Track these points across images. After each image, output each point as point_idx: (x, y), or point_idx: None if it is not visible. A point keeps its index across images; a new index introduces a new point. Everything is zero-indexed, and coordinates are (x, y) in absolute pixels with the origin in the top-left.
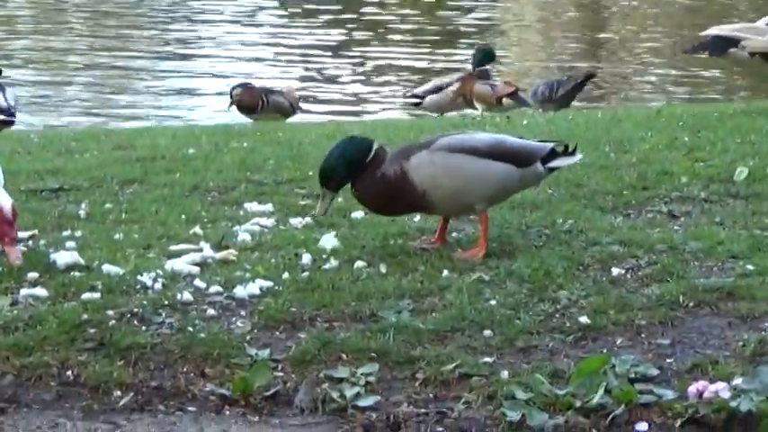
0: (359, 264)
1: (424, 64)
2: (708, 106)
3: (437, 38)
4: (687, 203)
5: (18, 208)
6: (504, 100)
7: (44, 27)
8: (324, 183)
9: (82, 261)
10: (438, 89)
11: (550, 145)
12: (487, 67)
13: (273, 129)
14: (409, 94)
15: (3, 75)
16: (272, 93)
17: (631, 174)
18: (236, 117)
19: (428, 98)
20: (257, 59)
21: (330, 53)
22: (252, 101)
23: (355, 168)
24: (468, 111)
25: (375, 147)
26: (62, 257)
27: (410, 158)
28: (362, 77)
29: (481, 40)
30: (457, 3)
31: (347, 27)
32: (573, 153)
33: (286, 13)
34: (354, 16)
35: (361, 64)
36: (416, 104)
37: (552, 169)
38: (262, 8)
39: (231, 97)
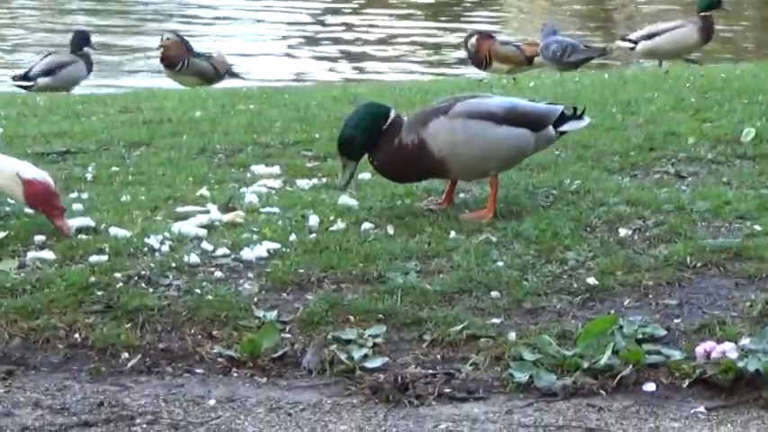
0: (366, 225)
1: (426, 30)
2: (715, 67)
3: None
4: (694, 164)
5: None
6: (537, 59)
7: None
8: (343, 152)
9: (93, 224)
10: (652, 35)
11: (561, 108)
12: (711, 12)
13: (280, 91)
14: (626, 37)
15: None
16: (198, 56)
17: (638, 135)
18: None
19: (641, 44)
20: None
21: (335, 19)
22: (176, 55)
23: (373, 135)
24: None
25: (392, 114)
26: (74, 222)
27: (428, 126)
28: (368, 43)
29: (485, 7)
30: None
31: None
32: (581, 117)
33: None
34: None
35: (366, 31)
36: (631, 49)
37: (563, 133)
38: None
39: (161, 40)
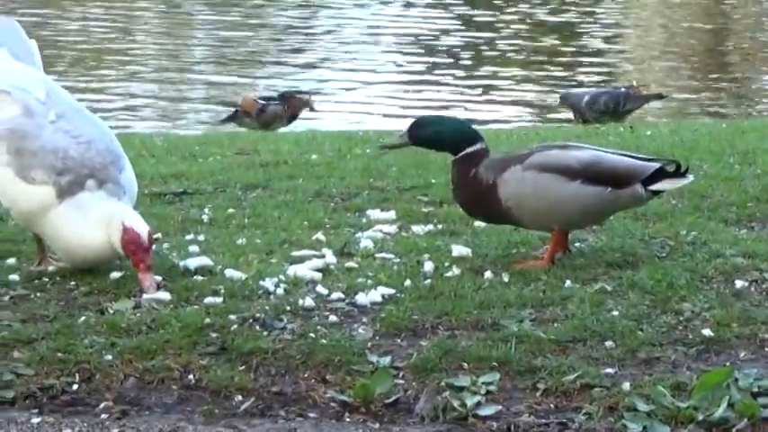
0: (482, 272)
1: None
2: None
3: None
4: None
5: (153, 235)
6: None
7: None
8: (410, 129)
9: (211, 263)
10: None
11: (656, 165)
12: None
13: None
14: None
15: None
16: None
17: (756, 186)
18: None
19: None
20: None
21: (452, 67)
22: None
23: (447, 146)
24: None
25: (479, 146)
26: (192, 262)
27: (504, 172)
28: (487, 89)
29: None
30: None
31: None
32: (684, 174)
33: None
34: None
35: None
36: None
37: (656, 192)
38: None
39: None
